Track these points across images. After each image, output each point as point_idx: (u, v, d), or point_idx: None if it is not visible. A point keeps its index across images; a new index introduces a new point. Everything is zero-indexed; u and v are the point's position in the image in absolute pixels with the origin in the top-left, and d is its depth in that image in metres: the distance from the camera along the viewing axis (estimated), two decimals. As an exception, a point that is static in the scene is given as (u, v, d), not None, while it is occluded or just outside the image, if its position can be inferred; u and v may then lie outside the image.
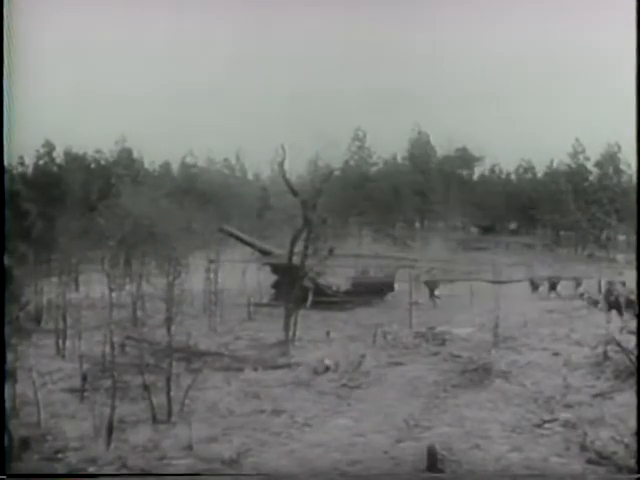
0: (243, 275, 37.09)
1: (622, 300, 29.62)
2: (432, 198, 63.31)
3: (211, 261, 32.92)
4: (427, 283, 36.39)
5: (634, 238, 28.92)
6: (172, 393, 16.98)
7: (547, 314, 31.80)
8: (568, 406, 17.66)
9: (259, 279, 36.87)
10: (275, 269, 35.96)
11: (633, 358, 19.21)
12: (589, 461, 14.16)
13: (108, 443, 15.04)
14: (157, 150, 56.02)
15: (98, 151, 58.07)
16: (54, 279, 29.87)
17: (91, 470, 14.06)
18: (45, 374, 19.76)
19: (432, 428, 16.26)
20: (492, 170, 68.54)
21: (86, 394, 18.24)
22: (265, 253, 37.92)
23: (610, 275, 35.56)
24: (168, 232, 29.36)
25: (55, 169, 54.16)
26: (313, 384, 20.07)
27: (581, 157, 64.04)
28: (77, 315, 25.15)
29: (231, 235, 37.90)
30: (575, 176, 63.22)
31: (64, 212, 39.13)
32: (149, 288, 28.38)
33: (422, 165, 65.79)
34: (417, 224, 65.95)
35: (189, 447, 14.90)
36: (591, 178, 63.80)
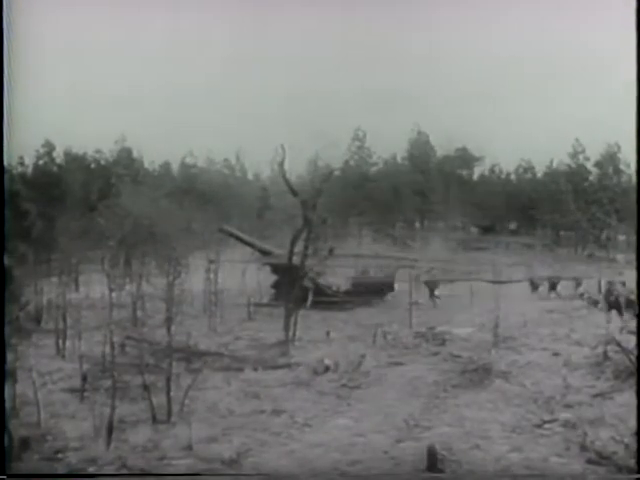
0: (243, 275, 37.07)
1: (622, 300, 29.63)
2: (432, 198, 63.28)
3: (211, 261, 32.91)
4: (427, 283, 36.41)
5: (634, 238, 28.89)
6: (172, 393, 16.98)
7: (547, 314, 31.79)
8: (568, 406, 17.66)
9: (259, 279, 36.86)
10: (275, 269, 35.95)
11: (633, 358, 19.20)
12: (589, 461, 14.16)
13: (108, 443, 15.04)
14: (157, 150, 55.97)
15: (98, 151, 58.01)
16: (54, 279, 29.87)
17: (91, 470, 14.06)
18: (45, 374, 19.76)
19: (432, 428, 16.26)
20: (492, 170, 68.49)
21: (86, 394, 18.24)
22: (265, 253, 37.91)
23: (610, 275, 35.56)
24: (168, 232, 29.36)
25: (55, 169, 54.14)
26: (313, 384, 20.07)
27: (581, 157, 64.00)
28: (77, 315, 25.14)
29: (231, 235, 37.89)
30: (575, 176, 63.18)
31: (64, 212, 39.12)
32: (149, 288, 28.37)
33: (422, 165, 65.75)
34: (417, 224, 65.92)
35: (189, 447, 14.90)
36: (591, 178, 63.76)
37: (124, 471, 14.01)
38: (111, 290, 27.60)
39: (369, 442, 15.39)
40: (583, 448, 14.75)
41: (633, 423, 15.28)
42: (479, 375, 20.44)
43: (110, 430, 15.23)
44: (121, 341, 21.73)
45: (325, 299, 34.02)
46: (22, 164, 52.10)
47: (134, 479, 13.90)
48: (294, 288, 27.29)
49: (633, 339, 19.54)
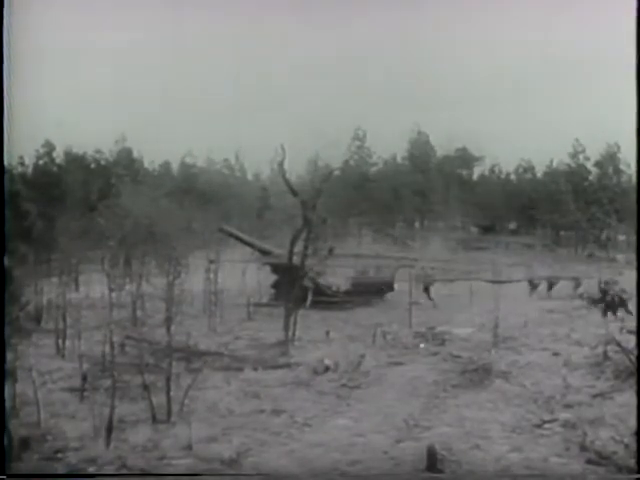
0: (243, 275, 37.10)
1: (617, 300, 29.71)
2: (432, 198, 63.34)
3: (211, 261, 32.93)
4: (422, 282, 36.31)
5: (634, 238, 28.91)
6: (172, 393, 16.98)
7: (547, 314, 31.82)
8: (568, 406, 17.66)
9: (259, 279, 36.88)
10: (275, 269, 35.97)
11: (633, 358, 19.21)
12: (589, 461, 14.16)
13: (108, 443, 15.04)
14: (157, 150, 56.09)
15: (98, 151, 58.09)
16: (54, 279, 29.88)
17: (91, 470, 14.05)
18: (45, 374, 19.77)
19: (432, 428, 16.26)
20: (492, 170, 68.60)
21: (86, 394, 18.23)
22: (265, 253, 37.92)
23: (610, 275, 35.57)
24: (168, 232, 29.38)
25: (55, 169, 54.19)
26: (313, 384, 20.07)
27: (581, 157, 64.09)
28: (77, 315, 25.14)
29: (231, 235, 37.91)
30: (575, 176, 63.27)
31: (64, 212, 39.14)
32: (149, 288, 28.40)
33: (422, 165, 65.85)
34: (417, 224, 66.00)
35: (189, 447, 14.90)
36: (591, 178, 63.84)
37: (124, 471, 14.01)
38: (111, 290, 27.64)
39: (369, 442, 15.39)
40: (583, 448, 14.75)
41: (633, 423, 15.28)
42: (479, 375, 20.45)
43: (110, 430, 15.23)
44: (121, 341, 21.74)
45: (325, 299, 34.04)
46: (22, 164, 52.15)
47: (134, 479, 13.90)
48: (294, 288, 27.30)
49: (633, 339, 19.54)
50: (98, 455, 14.57)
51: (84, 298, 30.55)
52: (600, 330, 25.11)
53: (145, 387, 17.12)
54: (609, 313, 29.39)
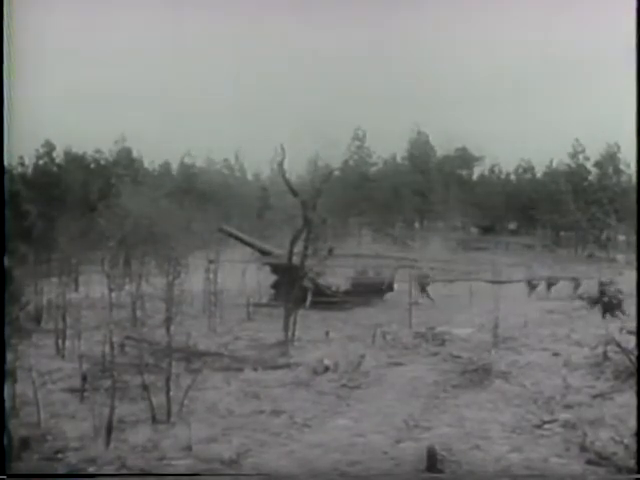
0: (243, 275, 37.12)
1: (614, 301, 29.84)
2: (432, 198, 63.40)
3: (211, 261, 32.95)
4: (419, 281, 36.32)
5: (634, 238, 28.97)
6: (172, 393, 16.96)
7: (547, 314, 31.84)
8: (568, 407, 17.65)
9: (259, 279, 36.90)
10: (275, 269, 35.99)
11: (633, 358, 19.21)
12: (589, 462, 14.15)
13: (107, 443, 15.03)
14: (157, 150, 56.12)
15: (98, 151, 58.16)
16: (54, 279, 29.90)
17: (91, 470, 14.05)
18: (45, 374, 19.76)
19: (432, 428, 16.25)
20: (492, 170, 68.69)
21: (86, 394, 18.22)
22: (265, 253, 37.94)
23: (611, 275, 35.62)
24: (168, 232, 29.38)
25: (55, 169, 54.22)
26: (312, 384, 20.06)
27: (581, 157, 64.15)
28: (77, 315, 25.14)
29: (231, 235, 37.93)
30: (575, 176, 63.33)
31: (64, 212, 39.17)
32: (149, 288, 28.38)
33: (422, 165, 65.92)
34: (417, 224, 66.06)
35: (188, 447, 14.89)
36: (591, 178, 63.89)
37: (124, 471, 14.00)
38: (111, 290, 27.66)
39: (369, 442, 15.38)
40: (583, 448, 14.74)
41: (633, 424, 15.28)
42: (479, 375, 20.44)
43: (110, 430, 15.22)
44: (121, 341, 21.73)
45: (324, 299, 34.06)
46: (22, 164, 52.20)
47: (134, 479, 13.89)
48: (294, 288, 27.29)
49: (633, 339, 19.55)
50: (98, 455, 14.57)
51: (84, 298, 30.57)
52: (600, 330, 25.12)
53: (145, 387, 17.11)
54: (607, 313, 29.55)
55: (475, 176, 69.00)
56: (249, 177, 66.31)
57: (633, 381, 18.06)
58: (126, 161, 57.93)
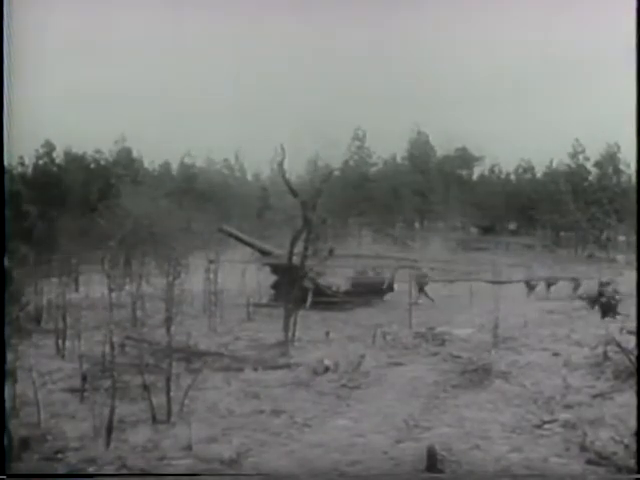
0: (243, 275, 37.12)
1: (612, 302, 29.92)
2: (432, 198, 63.47)
3: (211, 261, 32.96)
4: (417, 281, 36.34)
5: (634, 238, 29.01)
6: (172, 393, 16.96)
7: (547, 315, 31.85)
8: (568, 406, 17.64)
9: (259, 279, 36.90)
10: (275, 269, 36.01)
11: (633, 358, 19.21)
12: (589, 461, 14.15)
13: (108, 443, 15.03)
14: (157, 150, 56.17)
15: (98, 151, 58.23)
16: (54, 279, 29.90)
17: (91, 470, 14.04)
18: (45, 374, 19.76)
19: (432, 428, 16.25)
20: (492, 170, 68.78)
21: (86, 394, 18.22)
22: (265, 253, 37.95)
23: (610, 276, 35.65)
24: (168, 232, 29.43)
25: (55, 169, 54.26)
26: (313, 384, 20.05)
27: (581, 157, 64.22)
28: (77, 315, 25.15)
29: (231, 235, 37.95)
30: (575, 176, 63.41)
31: (64, 212, 39.20)
32: (149, 288, 28.42)
33: (422, 165, 66.00)
34: (417, 224, 66.13)
35: (189, 447, 14.88)
36: (590, 178, 63.97)
37: (124, 471, 13.99)
38: (111, 290, 27.68)
39: (369, 442, 15.37)
40: (583, 448, 14.73)
41: (633, 423, 15.28)
42: (479, 375, 20.44)
43: (110, 430, 15.21)
44: (121, 341, 21.72)
45: (325, 299, 34.07)
46: (22, 164, 52.25)
47: (134, 479, 13.90)
48: (294, 288, 27.29)
49: (633, 339, 19.56)
50: (98, 455, 14.56)
51: (84, 298, 30.57)
52: (600, 330, 25.13)
53: (145, 387, 17.11)
54: (605, 314, 29.63)
55: (475, 176, 69.10)
56: (249, 177, 66.41)
57: (633, 381, 18.06)
58: (126, 161, 57.99)
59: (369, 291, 36.10)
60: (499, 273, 40.05)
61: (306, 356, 23.29)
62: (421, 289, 36.30)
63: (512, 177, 68.31)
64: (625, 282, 31.33)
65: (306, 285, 31.98)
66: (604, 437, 15.26)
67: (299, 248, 28.45)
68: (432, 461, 13.79)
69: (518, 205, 64.05)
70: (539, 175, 66.49)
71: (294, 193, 28.61)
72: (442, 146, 66.23)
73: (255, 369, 21.61)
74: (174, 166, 62.79)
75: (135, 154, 59.05)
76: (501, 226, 63.95)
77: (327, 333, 27.05)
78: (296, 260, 28.27)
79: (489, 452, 14.68)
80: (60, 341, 23.78)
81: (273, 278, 36.41)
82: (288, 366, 22.08)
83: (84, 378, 18.78)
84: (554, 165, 65.49)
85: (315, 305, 32.90)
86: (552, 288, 38.73)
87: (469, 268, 44.59)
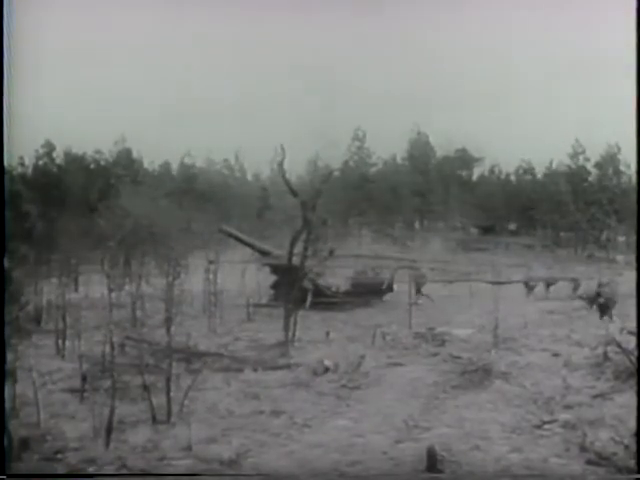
0: (242, 276, 37.09)
1: (610, 302, 29.94)
2: (431, 199, 63.44)
3: (210, 261, 32.95)
4: (414, 281, 36.29)
5: (634, 239, 28.98)
6: (172, 394, 16.96)
7: (547, 315, 31.84)
8: (568, 407, 17.65)
9: (258, 280, 36.86)
10: (275, 270, 35.99)
11: (633, 359, 19.21)
12: (589, 462, 14.16)
13: (107, 443, 15.03)
14: (157, 150, 56.12)
15: (98, 151, 58.20)
16: (54, 279, 29.89)
17: (90, 470, 14.05)
18: (45, 374, 19.76)
19: (432, 429, 16.25)
20: (492, 171, 68.73)
21: (86, 394, 18.22)
22: (264, 253, 37.92)
23: (610, 276, 35.65)
24: (168, 232, 29.42)
25: (55, 170, 54.25)
26: (312, 385, 20.05)
27: (581, 158, 64.18)
28: (77, 315, 25.15)
29: (230, 235, 37.92)
30: (575, 177, 63.37)
31: (64, 213, 39.19)
32: (148, 288, 28.41)
33: (421, 166, 65.96)
34: (417, 224, 66.06)
35: (188, 448, 14.89)
36: (591, 179, 63.94)
37: (124, 471, 14.00)
38: (110, 290, 27.68)
39: (368, 443, 15.38)
40: (583, 449, 14.74)
41: (633, 424, 15.28)
42: (479, 376, 20.43)
43: (110, 430, 15.21)
44: (121, 341, 21.72)
45: (324, 300, 34.04)
46: (22, 164, 52.23)
47: (134, 479, 13.89)
48: (293, 289, 27.28)
49: (633, 340, 19.55)
50: (98, 456, 14.57)
51: (84, 298, 30.58)
52: (600, 331, 25.13)
53: (145, 388, 17.11)
54: (603, 314, 29.67)
55: (475, 177, 69.05)
56: (249, 177, 66.36)
57: (633, 381, 18.06)
58: (126, 161, 57.97)
59: (369, 291, 36.07)
60: (499, 273, 40.02)
61: (306, 356, 23.29)
62: (418, 290, 36.29)
63: (512, 178, 68.28)
64: (625, 282, 31.32)
65: (306, 285, 31.97)
66: (604, 438, 15.26)
67: (299, 248, 28.43)
68: (432, 461, 13.79)
69: (518, 205, 64.02)
70: (539, 176, 66.44)
71: (294, 193, 28.60)
72: (442, 147, 66.20)
73: (255, 369, 21.61)
74: (174, 166, 62.74)
75: (135, 154, 59.02)
76: (501, 226, 63.91)
77: (327, 333, 27.05)
78: (296, 260, 28.26)
79: (489, 452, 14.68)
80: (60, 341, 23.78)
81: (273, 278, 36.38)
82: (288, 366, 22.07)
83: (84, 378, 18.79)
84: (554, 166, 65.46)
85: (315, 305, 32.88)
86: (551, 288, 38.74)
87: (469, 268, 44.58)
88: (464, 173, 67.76)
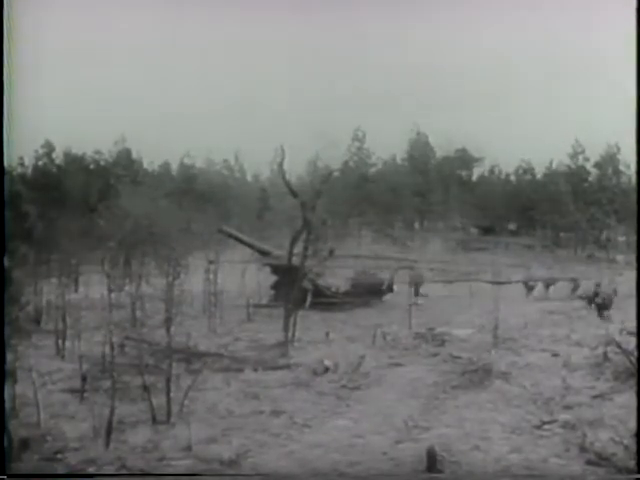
0: (242, 276, 37.09)
1: (608, 302, 29.98)
2: (431, 199, 63.47)
3: (210, 262, 32.95)
4: (412, 280, 36.30)
5: (634, 239, 29.03)
6: (172, 394, 16.96)
7: (547, 315, 31.84)
8: (568, 407, 17.65)
9: (258, 280, 36.86)
10: (275, 270, 35.98)
11: (633, 359, 19.22)
12: (588, 462, 14.16)
13: (107, 444, 15.03)
14: (156, 150, 56.12)
15: (97, 152, 58.21)
16: (54, 280, 29.89)
17: (90, 470, 14.05)
18: (45, 374, 19.77)
19: (431, 429, 16.25)
20: (491, 171, 68.79)
21: (86, 395, 18.23)
22: (264, 254, 37.92)
23: (610, 276, 35.68)
24: (167, 233, 29.40)
25: (54, 170, 54.23)
26: (312, 385, 20.05)
27: (581, 158, 64.21)
28: (77, 316, 25.16)
29: (230, 236, 37.92)
30: (574, 177, 63.40)
31: (64, 213, 39.16)
32: (148, 289, 28.40)
33: (421, 166, 66.01)
34: (416, 225, 66.09)
35: (188, 448, 14.89)
36: (590, 179, 63.95)
37: (124, 471, 14.00)
38: (110, 291, 27.67)
39: (368, 443, 15.38)
40: (582, 449, 14.74)
41: (633, 424, 15.28)
42: (479, 376, 20.43)
43: (109, 431, 15.22)
44: (121, 342, 21.72)
45: (324, 300, 34.04)
46: (22, 165, 52.24)
47: (134, 479, 13.90)
48: (293, 289, 27.28)
49: (633, 340, 19.56)
50: (98, 456, 14.57)
51: (84, 299, 30.59)
52: (600, 331, 25.15)
53: (145, 388, 17.11)
54: (601, 314, 29.72)
55: (475, 177, 69.10)
56: (249, 178, 66.44)
57: (633, 382, 18.07)
58: (126, 162, 58.00)
59: (369, 292, 36.06)
60: (499, 273, 40.03)
61: (306, 357, 23.29)
62: (416, 290, 36.30)
63: (512, 178, 68.30)
64: (625, 282, 31.33)
65: (306, 286, 31.97)
66: (604, 438, 15.27)
67: (299, 249, 28.44)
68: (432, 462, 13.79)
69: (518, 206, 64.03)
70: (539, 176, 66.47)
71: (294, 194, 28.61)
72: (442, 147, 66.26)
73: (255, 370, 21.61)
74: (174, 167, 62.79)
75: (135, 155, 59.07)
76: (501, 226, 63.93)
77: (327, 334, 27.04)
78: (296, 261, 28.26)
79: (489, 453, 14.68)
80: (60, 341, 23.78)
81: (273, 279, 36.38)
82: (288, 367, 22.08)
83: (84, 379, 18.79)
84: (554, 166, 65.51)
85: (315, 306, 32.88)
86: (551, 288, 38.76)
87: (469, 268, 44.59)
88: (464, 173, 67.81)
